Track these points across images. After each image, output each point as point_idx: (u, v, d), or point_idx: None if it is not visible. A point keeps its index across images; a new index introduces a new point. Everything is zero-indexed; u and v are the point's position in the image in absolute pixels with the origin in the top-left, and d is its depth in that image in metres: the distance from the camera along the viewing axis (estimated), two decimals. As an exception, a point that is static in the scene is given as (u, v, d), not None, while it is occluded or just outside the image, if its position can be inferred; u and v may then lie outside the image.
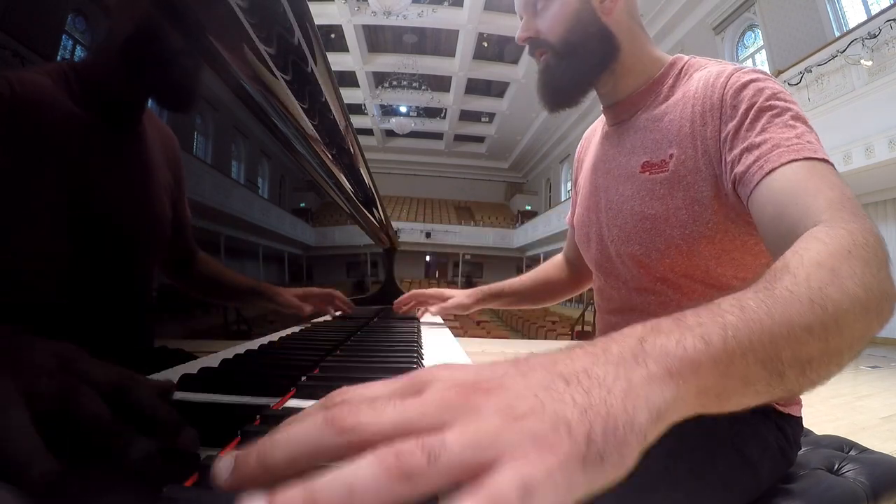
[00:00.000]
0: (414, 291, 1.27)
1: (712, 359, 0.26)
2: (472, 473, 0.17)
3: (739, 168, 0.58)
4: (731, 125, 0.61)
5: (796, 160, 0.53)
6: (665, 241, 0.68)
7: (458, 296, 1.17)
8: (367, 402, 0.20)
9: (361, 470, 0.16)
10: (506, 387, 0.21)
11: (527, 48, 0.76)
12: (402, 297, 1.26)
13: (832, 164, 0.54)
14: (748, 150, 0.58)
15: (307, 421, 0.19)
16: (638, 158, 0.71)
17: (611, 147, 0.78)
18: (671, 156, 0.67)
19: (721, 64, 0.68)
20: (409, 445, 0.17)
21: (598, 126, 0.88)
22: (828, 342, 0.32)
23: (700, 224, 0.66)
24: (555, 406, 0.20)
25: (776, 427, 0.71)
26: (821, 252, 0.39)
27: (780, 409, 0.73)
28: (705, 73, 0.67)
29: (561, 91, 0.75)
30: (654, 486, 0.62)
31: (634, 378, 0.23)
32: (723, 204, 0.64)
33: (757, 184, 0.55)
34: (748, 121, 0.59)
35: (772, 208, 0.53)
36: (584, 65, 0.73)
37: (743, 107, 0.60)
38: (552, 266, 1.17)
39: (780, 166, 0.54)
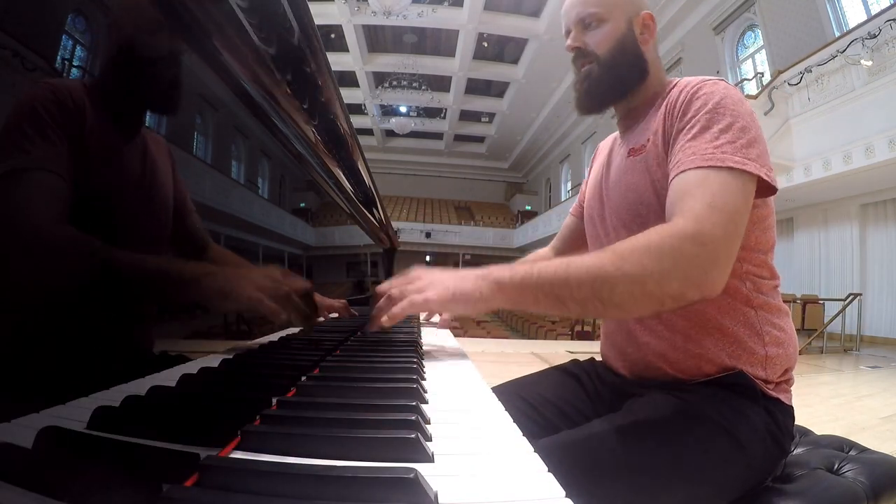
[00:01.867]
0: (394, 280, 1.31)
1: (511, 282, 0.65)
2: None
3: (671, 163, 0.73)
4: (678, 126, 0.75)
5: (699, 167, 0.67)
6: (646, 208, 0.80)
7: None
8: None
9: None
10: (434, 274, 0.69)
11: (572, 56, 0.90)
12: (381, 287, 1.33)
13: (739, 169, 0.66)
14: (679, 150, 0.72)
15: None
16: (628, 147, 0.87)
17: (617, 150, 0.93)
18: (648, 140, 0.81)
19: (698, 77, 0.80)
20: (394, 291, 0.69)
21: (611, 140, 1.02)
22: (596, 293, 0.61)
23: (665, 195, 0.76)
24: (446, 280, 0.67)
25: (765, 410, 0.73)
26: (628, 243, 0.63)
27: (770, 392, 0.75)
28: (684, 82, 0.80)
29: (599, 97, 0.88)
30: (646, 469, 0.64)
31: (477, 281, 0.66)
32: None
33: (672, 179, 0.71)
34: (686, 127, 0.73)
35: (670, 200, 0.69)
36: (622, 80, 0.87)
37: (689, 114, 0.74)
38: (546, 257, 1.18)
39: (685, 170, 0.69)
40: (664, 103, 0.81)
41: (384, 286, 0.71)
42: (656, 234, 0.63)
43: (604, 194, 0.93)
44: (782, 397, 0.76)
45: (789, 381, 0.79)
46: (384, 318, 0.66)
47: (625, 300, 0.62)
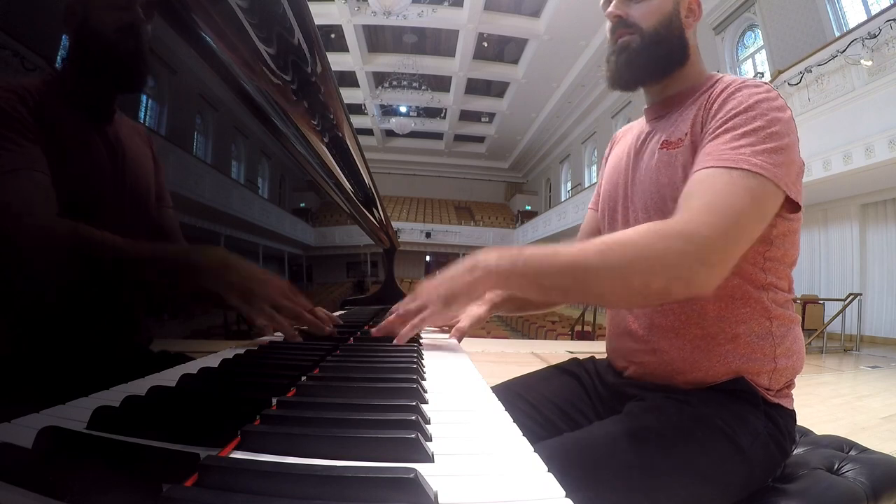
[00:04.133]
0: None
1: (503, 268, 0.67)
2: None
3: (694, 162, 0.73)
4: (708, 126, 0.73)
5: (711, 167, 0.67)
6: (676, 204, 0.75)
7: (471, 308, 1.04)
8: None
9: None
10: (428, 286, 0.74)
11: (608, 26, 0.85)
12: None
13: (750, 171, 0.65)
14: (699, 151, 0.72)
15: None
16: (660, 138, 0.83)
17: (646, 139, 0.88)
18: (686, 134, 0.78)
19: (738, 77, 0.78)
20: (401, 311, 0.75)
21: (632, 127, 0.97)
22: (578, 282, 0.64)
23: None
24: (439, 289, 0.72)
25: (766, 416, 0.72)
26: (620, 234, 0.67)
27: (770, 398, 0.74)
28: (730, 78, 0.78)
29: (636, 71, 0.84)
30: (648, 473, 0.64)
31: (463, 276, 0.70)
32: None
33: (691, 177, 0.70)
34: (712, 128, 0.72)
35: (683, 196, 0.69)
36: (662, 57, 0.83)
37: (718, 116, 0.72)
38: None
39: (699, 169, 0.68)
40: (704, 98, 0.78)
41: (398, 307, 0.77)
42: (646, 229, 0.64)
43: (628, 186, 0.88)
44: (784, 402, 0.76)
45: (790, 387, 0.78)
46: (396, 339, 0.73)
47: (606, 292, 0.65)
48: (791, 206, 0.71)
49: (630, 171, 0.88)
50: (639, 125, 0.94)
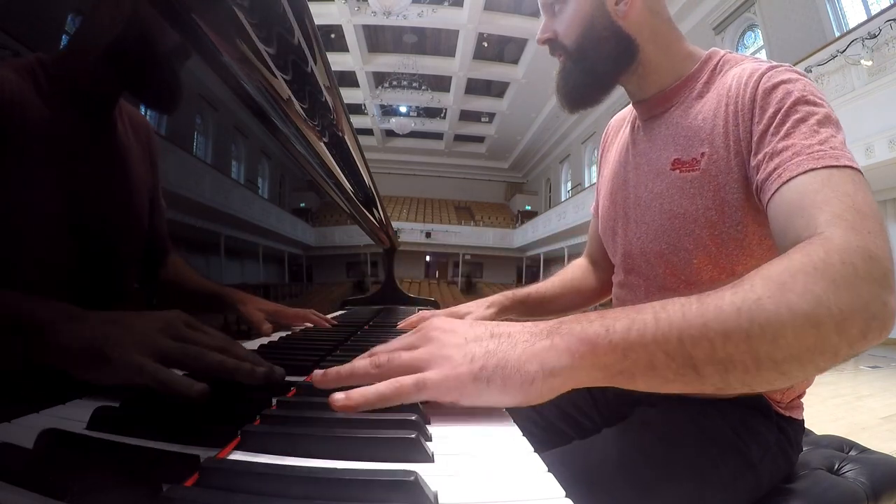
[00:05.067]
0: (423, 313, 1.06)
1: (610, 342, 0.38)
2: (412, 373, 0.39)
3: (761, 175, 0.57)
4: (759, 128, 0.60)
5: (814, 169, 0.52)
6: (693, 241, 0.68)
7: (477, 310, 0.94)
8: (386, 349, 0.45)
9: (360, 362, 0.41)
10: (455, 332, 0.41)
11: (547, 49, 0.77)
12: (409, 320, 1.01)
13: (854, 168, 0.52)
14: (770, 156, 0.57)
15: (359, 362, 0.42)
16: (669, 155, 0.70)
17: (641, 141, 0.77)
18: (703, 154, 0.66)
19: (756, 61, 0.66)
20: (382, 357, 0.41)
21: (626, 115, 0.87)
22: (752, 347, 0.38)
23: (730, 226, 0.65)
24: (472, 347, 0.39)
25: (777, 429, 0.71)
26: (781, 266, 0.42)
27: (782, 411, 0.72)
28: (740, 70, 0.66)
29: (576, 93, 0.75)
30: (658, 486, 0.62)
31: (538, 344, 0.39)
32: (753, 206, 0.63)
33: (773, 193, 0.54)
34: (774, 125, 0.58)
35: (783, 219, 0.52)
36: (599, 68, 0.73)
37: (770, 110, 0.59)
38: (579, 271, 1.06)
39: (796, 176, 0.53)
40: (722, 96, 0.66)
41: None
42: (813, 250, 0.43)
43: (629, 206, 0.77)
44: (794, 414, 0.74)
45: (802, 396, 0.76)
46: (338, 399, 0.37)
47: (794, 352, 0.38)
48: None
49: (629, 188, 0.78)
50: (631, 118, 0.83)
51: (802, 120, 0.56)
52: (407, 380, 0.38)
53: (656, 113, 0.75)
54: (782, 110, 0.58)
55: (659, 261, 0.73)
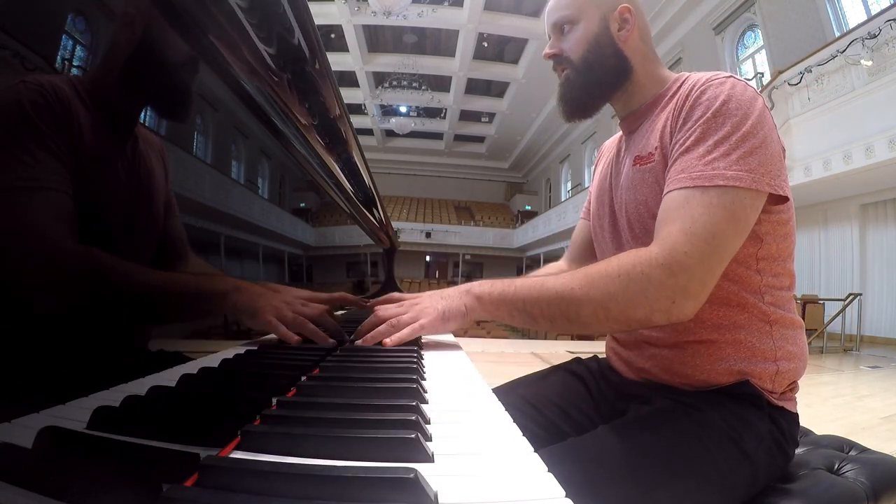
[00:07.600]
0: (390, 295, 1.11)
1: (489, 298, 0.74)
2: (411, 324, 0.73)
3: (665, 179, 0.71)
4: (678, 136, 0.71)
5: (685, 188, 0.66)
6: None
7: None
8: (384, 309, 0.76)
9: (382, 327, 0.73)
10: (423, 299, 0.77)
11: (552, 63, 0.87)
12: (379, 300, 1.04)
13: (724, 186, 0.64)
14: (670, 167, 0.70)
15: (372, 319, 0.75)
16: (632, 155, 0.82)
17: (623, 153, 0.88)
18: (656, 148, 0.76)
19: (714, 73, 0.74)
20: (393, 319, 0.73)
21: (615, 140, 0.97)
22: (563, 312, 0.68)
23: None
24: (436, 303, 0.75)
25: (770, 419, 0.72)
26: (599, 267, 0.67)
27: (774, 401, 0.73)
28: (695, 79, 0.75)
29: (577, 103, 0.85)
30: (656, 480, 0.64)
31: (461, 299, 0.75)
32: None
33: (663, 198, 0.69)
34: (683, 135, 0.70)
35: (656, 221, 0.69)
36: (600, 82, 0.83)
37: (689, 123, 0.70)
38: (555, 269, 1.11)
39: (672, 190, 0.68)
40: (671, 103, 0.76)
41: (382, 312, 0.75)
42: (629, 259, 0.66)
43: (614, 205, 0.87)
44: (787, 405, 0.75)
45: (794, 389, 0.78)
46: (387, 341, 0.70)
47: (590, 321, 0.67)
48: (776, 198, 0.69)
49: (612, 189, 0.88)
50: (620, 138, 0.93)
51: (701, 139, 0.67)
52: (415, 325, 0.72)
53: (633, 128, 0.86)
54: (694, 126, 0.69)
55: (637, 245, 0.80)
